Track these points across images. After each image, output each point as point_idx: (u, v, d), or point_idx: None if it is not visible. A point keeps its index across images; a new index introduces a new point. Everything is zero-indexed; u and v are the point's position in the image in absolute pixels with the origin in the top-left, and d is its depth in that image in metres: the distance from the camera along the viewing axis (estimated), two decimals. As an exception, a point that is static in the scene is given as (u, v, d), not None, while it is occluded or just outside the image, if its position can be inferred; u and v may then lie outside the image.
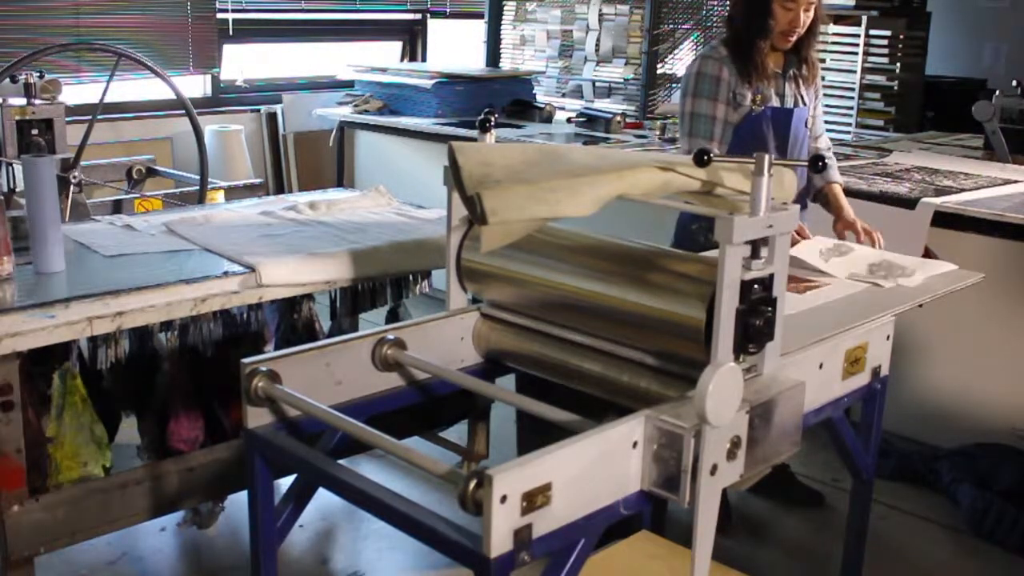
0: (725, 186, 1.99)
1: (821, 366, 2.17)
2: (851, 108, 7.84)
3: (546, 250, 2.17)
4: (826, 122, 8.28)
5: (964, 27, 9.28)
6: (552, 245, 2.17)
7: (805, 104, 3.18)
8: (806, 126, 3.19)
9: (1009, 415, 3.56)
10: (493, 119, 2.30)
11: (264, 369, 1.96)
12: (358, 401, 2.14)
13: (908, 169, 4.42)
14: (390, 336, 2.16)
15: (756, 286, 1.85)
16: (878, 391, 2.39)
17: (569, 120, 5.55)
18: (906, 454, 3.70)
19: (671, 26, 6.08)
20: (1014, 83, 4.83)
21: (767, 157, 1.79)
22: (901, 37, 7.80)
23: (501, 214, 1.82)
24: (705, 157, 1.84)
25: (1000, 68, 9.34)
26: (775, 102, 3.12)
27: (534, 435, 2.44)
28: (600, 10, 6.18)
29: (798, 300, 2.42)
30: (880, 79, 7.83)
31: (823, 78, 3.26)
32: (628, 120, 5.52)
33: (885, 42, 7.73)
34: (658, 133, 5.21)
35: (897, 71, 7.86)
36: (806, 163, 1.87)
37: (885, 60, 7.87)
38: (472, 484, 1.54)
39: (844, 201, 3.21)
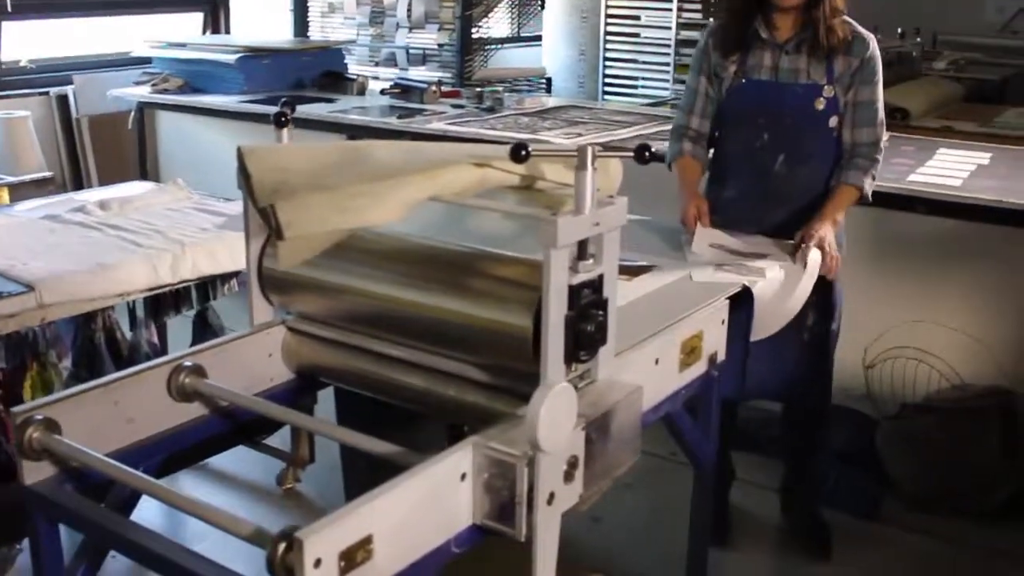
0: (546, 179, 1.84)
1: (657, 362, 2.05)
2: (668, 64, 7.89)
3: (357, 256, 1.96)
4: (646, 79, 8.38)
5: (771, -21, 9.40)
6: (363, 250, 1.97)
7: (811, 80, 2.75)
8: (818, 108, 2.76)
9: (840, 377, 3.57)
10: (289, 113, 2.07)
11: (39, 417, 1.71)
12: (156, 438, 1.90)
13: (728, 130, 4.38)
14: (187, 363, 1.93)
15: (586, 289, 1.71)
16: (715, 378, 2.30)
17: (383, 92, 5.31)
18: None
19: (484, -12, 5.92)
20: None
21: (590, 149, 1.64)
22: (714, -9, 7.85)
23: (299, 227, 1.63)
24: (523, 152, 1.68)
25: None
26: (766, 76, 2.78)
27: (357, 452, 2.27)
28: (412, -26, 5.96)
29: (627, 288, 2.30)
30: (695, 35, 7.88)
31: (869, 59, 2.75)
32: (444, 89, 5.32)
33: (699, -4, 7.76)
34: (476, 102, 5.02)
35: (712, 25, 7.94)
36: (631, 154, 1.73)
37: (699, 15, 7.93)
38: (281, 548, 1.35)
39: (832, 208, 2.75)
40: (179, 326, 3.36)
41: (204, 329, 3.19)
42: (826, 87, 2.75)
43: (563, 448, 1.59)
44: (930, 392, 3.49)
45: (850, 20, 2.76)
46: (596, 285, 1.73)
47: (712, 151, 2.98)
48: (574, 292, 1.68)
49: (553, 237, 1.60)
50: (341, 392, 2.32)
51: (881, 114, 2.79)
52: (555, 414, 1.52)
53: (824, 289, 2.81)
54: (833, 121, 2.78)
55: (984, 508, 3.29)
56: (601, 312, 1.73)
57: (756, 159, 2.82)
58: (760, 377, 2.75)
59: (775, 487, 3.34)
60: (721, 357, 2.31)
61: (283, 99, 2.21)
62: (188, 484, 3.18)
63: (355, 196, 1.66)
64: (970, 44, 7.19)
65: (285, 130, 2.04)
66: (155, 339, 3.05)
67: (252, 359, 2.07)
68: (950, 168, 3.65)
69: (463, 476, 1.57)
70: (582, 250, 1.70)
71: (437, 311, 1.85)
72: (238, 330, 2.10)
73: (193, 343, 3.46)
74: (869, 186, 2.78)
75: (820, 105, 2.75)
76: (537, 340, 1.68)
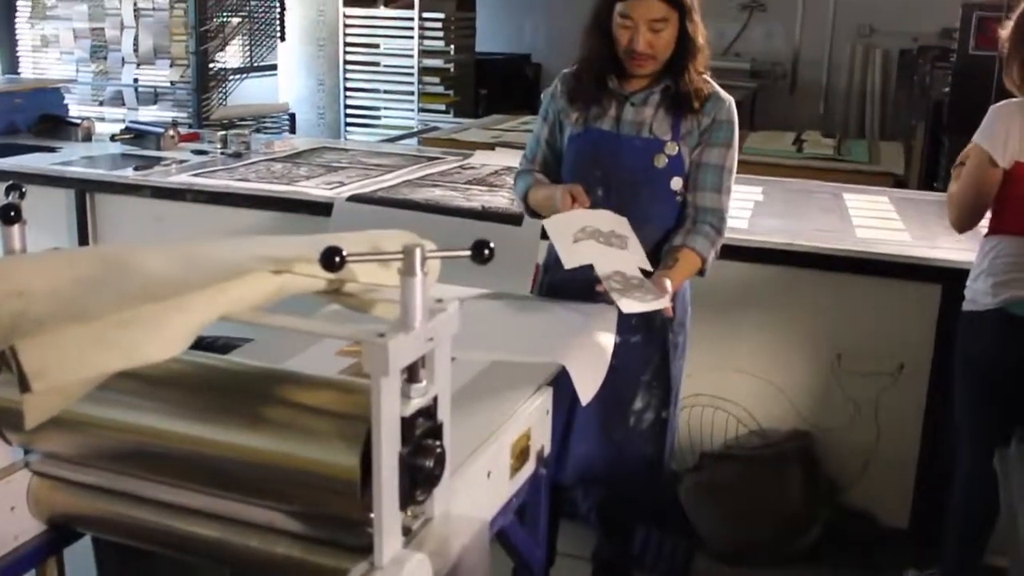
0: (357, 280, 1.53)
1: (489, 475, 1.78)
2: (412, 93, 7.68)
3: (121, 381, 1.57)
4: (389, 108, 8.12)
5: (506, 5, 9.56)
6: (130, 374, 1.57)
7: (653, 136, 2.50)
8: (658, 165, 2.49)
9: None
10: (20, 203, 1.66)
11: None
12: None
13: (497, 172, 4.18)
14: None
15: (420, 418, 1.41)
16: (543, 476, 2.05)
17: (113, 137, 4.76)
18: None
19: (219, 20, 5.48)
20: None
21: (417, 251, 1.35)
22: (453, 19, 7.77)
23: (51, 375, 1.24)
24: (337, 259, 1.36)
25: (540, 43, 9.72)
26: (608, 126, 2.54)
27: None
28: (135, 4, 5.44)
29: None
30: (438, 62, 7.73)
31: (724, 121, 2.53)
32: (182, 131, 4.84)
33: (439, 24, 7.66)
34: (220, 146, 4.57)
35: (452, 53, 7.80)
36: (467, 253, 1.44)
37: (440, 43, 7.78)
38: None
39: (676, 275, 2.44)
40: None
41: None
42: (669, 143, 2.50)
43: (415, 627, 1.30)
44: (728, 440, 3.39)
45: (710, 79, 2.55)
46: (431, 411, 1.44)
47: None
48: (407, 423, 1.38)
49: (384, 363, 1.30)
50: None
51: (728, 184, 2.55)
52: (410, 595, 1.23)
53: (659, 370, 2.64)
54: (676, 183, 2.52)
55: (792, 554, 3.22)
56: (439, 443, 1.44)
57: None
58: (586, 461, 2.54)
59: (587, 556, 3.13)
60: (548, 450, 2.07)
61: (8, 183, 1.76)
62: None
63: (124, 326, 1.29)
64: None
65: (16, 228, 1.62)
66: None
67: (-11, 517, 1.64)
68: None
69: None
70: (413, 372, 1.41)
71: (230, 448, 1.50)
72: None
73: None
74: (712, 261, 2.52)
75: (660, 163, 2.50)
76: (365, 483, 1.38)
